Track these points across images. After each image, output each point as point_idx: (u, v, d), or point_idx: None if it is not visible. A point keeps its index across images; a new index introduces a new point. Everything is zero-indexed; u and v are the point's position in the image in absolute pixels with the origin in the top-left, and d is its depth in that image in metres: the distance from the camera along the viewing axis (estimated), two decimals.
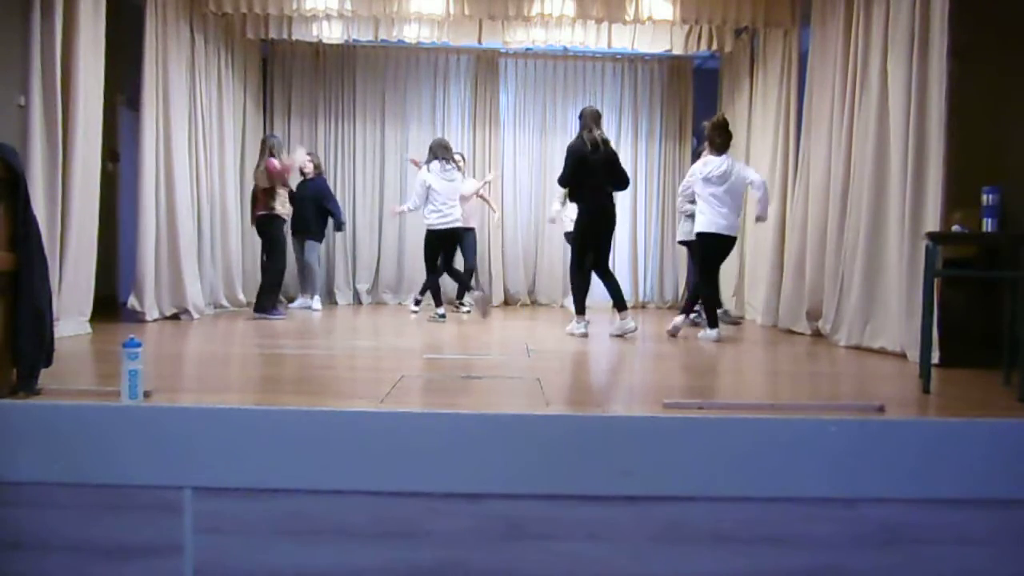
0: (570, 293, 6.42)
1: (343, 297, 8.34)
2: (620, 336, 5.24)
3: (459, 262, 7.14)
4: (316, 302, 7.34)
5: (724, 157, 5.23)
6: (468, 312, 7.20)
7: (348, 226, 8.28)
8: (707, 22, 6.64)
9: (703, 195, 5.22)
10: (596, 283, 5.57)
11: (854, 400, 3.07)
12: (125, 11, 5.85)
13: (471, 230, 7.31)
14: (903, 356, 4.30)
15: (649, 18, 6.43)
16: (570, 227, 6.31)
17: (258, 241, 6.74)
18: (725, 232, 5.19)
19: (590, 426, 2.36)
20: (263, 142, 6.62)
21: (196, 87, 6.47)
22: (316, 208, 7.23)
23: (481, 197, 7.56)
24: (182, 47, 6.19)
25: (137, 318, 5.58)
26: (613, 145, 5.59)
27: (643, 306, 8.62)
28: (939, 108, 4.16)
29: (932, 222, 4.11)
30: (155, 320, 5.70)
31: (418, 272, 8.30)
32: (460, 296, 7.23)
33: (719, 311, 5.58)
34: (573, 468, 2.28)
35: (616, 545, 2.28)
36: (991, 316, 4.52)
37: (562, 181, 5.42)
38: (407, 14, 6.54)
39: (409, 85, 8.51)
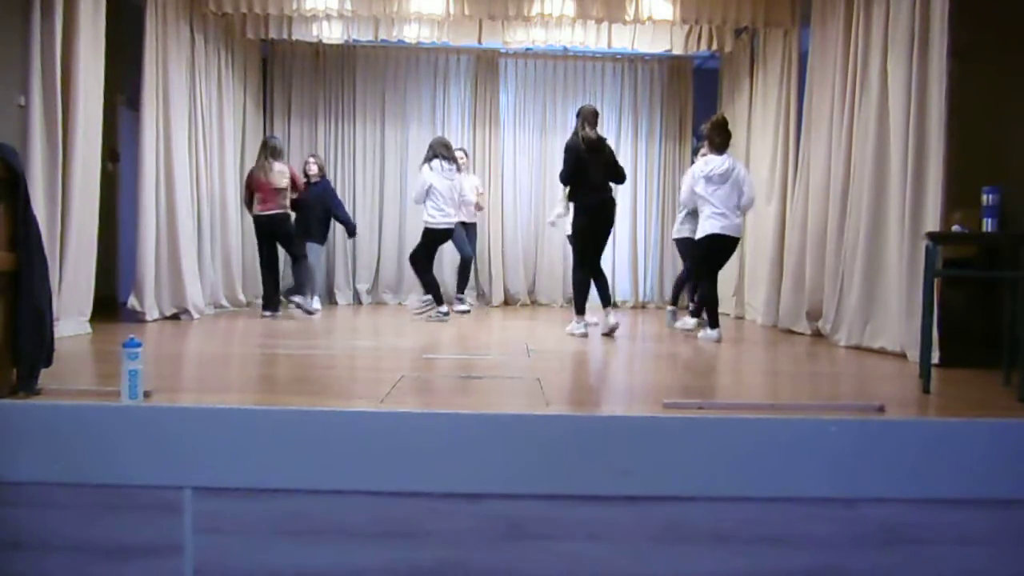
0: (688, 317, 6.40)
1: (343, 297, 8.34)
2: (609, 335, 5.23)
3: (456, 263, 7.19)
4: (316, 302, 7.34)
5: (725, 156, 5.23)
6: (467, 311, 7.19)
7: None
8: (707, 22, 6.63)
9: (705, 195, 5.19)
10: (615, 280, 5.61)
11: (854, 400, 3.07)
12: (125, 11, 5.85)
13: (472, 224, 7.37)
14: (903, 356, 4.30)
15: (649, 18, 6.43)
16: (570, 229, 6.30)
17: (253, 241, 6.74)
18: (729, 233, 5.18)
19: (590, 426, 2.36)
20: (264, 143, 6.62)
21: (196, 87, 6.47)
22: (320, 211, 7.25)
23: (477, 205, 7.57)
24: (182, 47, 6.19)
25: (137, 318, 5.58)
26: (612, 144, 5.60)
27: (643, 306, 8.61)
28: (939, 108, 4.16)
29: (932, 222, 4.11)
30: (155, 320, 5.70)
31: None
32: (460, 290, 7.19)
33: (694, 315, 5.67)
34: (573, 468, 2.28)
35: (616, 545, 2.28)
36: (991, 316, 4.52)
37: (563, 178, 5.41)
38: (407, 14, 6.53)
39: (409, 85, 8.51)
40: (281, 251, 6.84)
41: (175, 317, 5.97)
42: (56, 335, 3.00)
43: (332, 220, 7.48)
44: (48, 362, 2.82)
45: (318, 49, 8.21)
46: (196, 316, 6.07)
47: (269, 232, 6.48)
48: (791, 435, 2.31)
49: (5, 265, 2.64)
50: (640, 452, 2.29)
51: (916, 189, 4.29)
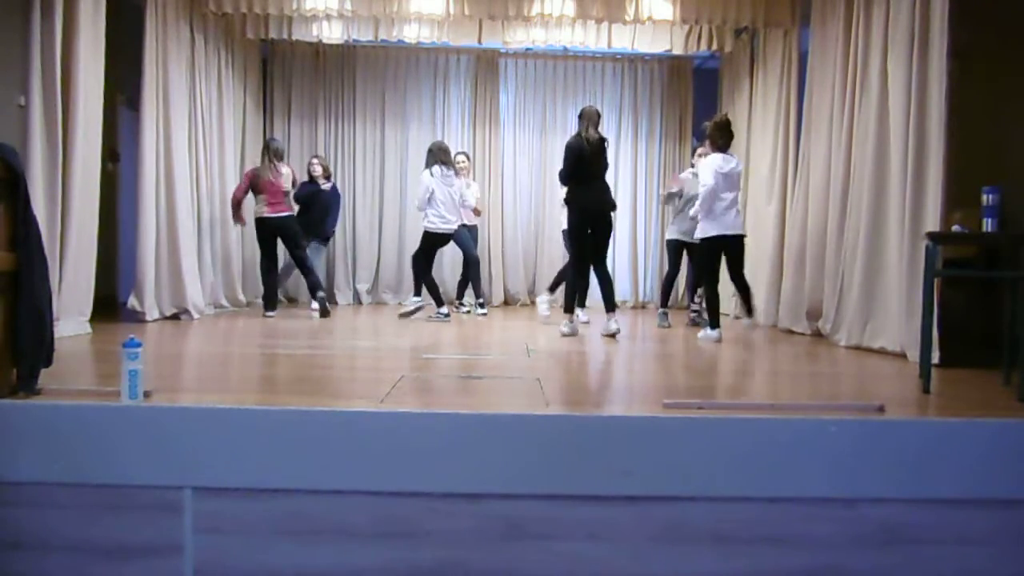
0: (544, 291, 6.52)
1: (343, 297, 8.34)
2: (610, 336, 5.23)
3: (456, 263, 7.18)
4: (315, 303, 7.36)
5: (732, 155, 5.29)
6: (468, 312, 7.19)
7: (348, 226, 8.31)
8: (707, 22, 6.64)
9: (719, 194, 5.18)
10: (615, 280, 5.62)
11: (854, 400, 3.07)
12: (125, 11, 5.85)
13: (473, 226, 7.32)
14: (903, 356, 4.30)
15: (649, 18, 6.43)
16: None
17: (253, 241, 6.75)
18: (737, 232, 5.26)
19: (590, 426, 2.36)
20: (267, 145, 6.63)
21: (196, 87, 6.47)
22: (325, 213, 7.28)
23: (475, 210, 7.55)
24: (182, 47, 6.19)
25: (137, 318, 5.58)
26: (612, 147, 5.62)
27: (643, 306, 8.62)
28: (939, 108, 4.16)
29: (932, 222, 4.11)
30: (155, 320, 5.70)
31: None
32: (477, 294, 7.12)
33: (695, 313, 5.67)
34: (573, 468, 2.28)
35: (616, 545, 2.28)
36: (991, 316, 4.52)
37: (562, 177, 5.41)
38: (407, 14, 6.54)
39: (409, 85, 8.51)
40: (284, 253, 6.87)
41: (175, 317, 5.97)
42: (56, 335, 3.00)
43: (337, 221, 7.52)
44: (48, 362, 2.82)
45: (318, 49, 8.21)
46: (196, 316, 6.07)
47: (278, 234, 6.48)
48: (791, 435, 2.31)
49: (5, 265, 2.64)
50: (640, 452, 2.29)
51: (916, 189, 4.29)
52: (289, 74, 8.41)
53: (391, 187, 8.48)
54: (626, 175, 8.59)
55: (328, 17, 6.84)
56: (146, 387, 2.68)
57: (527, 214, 8.65)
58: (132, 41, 5.82)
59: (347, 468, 2.27)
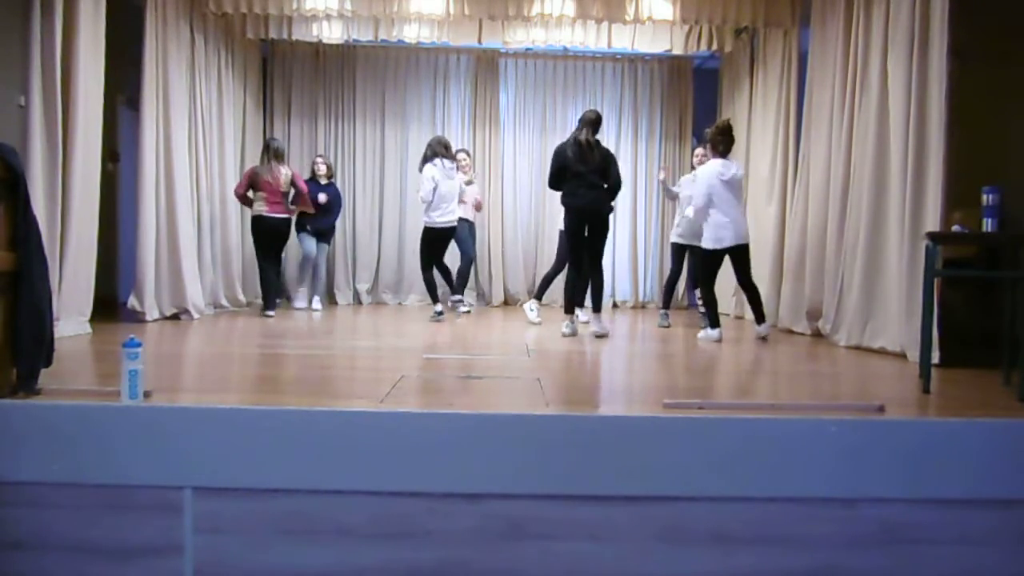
0: (532, 299, 6.55)
1: (343, 297, 8.34)
2: (600, 336, 5.23)
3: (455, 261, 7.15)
4: (316, 302, 7.37)
5: (732, 161, 5.25)
6: (468, 311, 7.18)
7: (348, 226, 8.31)
8: (707, 22, 6.63)
9: (719, 201, 5.15)
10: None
11: (854, 400, 3.07)
12: (125, 11, 5.85)
13: (472, 222, 7.31)
14: (903, 356, 4.30)
15: (649, 18, 6.43)
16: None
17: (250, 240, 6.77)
18: (742, 241, 5.22)
19: (590, 426, 2.36)
20: (267, 145, 6.63)
21: (196, 87, 6.47)
22: (325, 212, 7.30)
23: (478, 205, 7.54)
24: (182, 47, 6.19)
25: (137, 318, 5.58)
26: (612, 145, 5.60)
27: (643, 306, 8.62)
28: (939, 108, 4.16)
29: (932, 222, 4.12)
30: (155, 320, 5.70)
31: (418, 272, 8.31)
32: (459, 291, 7.07)
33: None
34: (573, 468, 2.28)
35: (616, 545, 2.28)
36: (991, 316, 4.51)
37: (549, 182, 5.43)
38: (407, 14, 6.54)
39: (409, 85, 8.51)
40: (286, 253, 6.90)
41: (175, 317, 5.97)
42: (56, 335, 3.00)
43: (336, 218, 7.53)
44: (48, 362, 2.82)
45: (318, 49, 8.21)
46: (196, 316, 6.07)
47: (275, 234, 6.49)
48: (791, 435, 2.31)
49: (5, 265, 2.64)
50: (640, 452, 2.29)
51: (916, 189, 4.29)
52: (289, 74, 8.41)
53: (391, 187, 8.48)
54: (626, 175, 8.46)
55: (328, 17, 6.83)
56: (146, 387, 2.68)
57: (527, 214, 8.64)
58: (132, 41, 5.82)
59: (347, 468, 2.27)
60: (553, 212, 8.35)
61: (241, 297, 7.29)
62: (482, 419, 2.34)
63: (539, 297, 6.67)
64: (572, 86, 8.60)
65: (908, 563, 2.30)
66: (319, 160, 7.38)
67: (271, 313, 6.43)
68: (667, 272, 8.58)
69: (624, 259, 8.59)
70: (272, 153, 6.51)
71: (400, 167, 8.49)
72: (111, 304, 6.47)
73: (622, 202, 7.99)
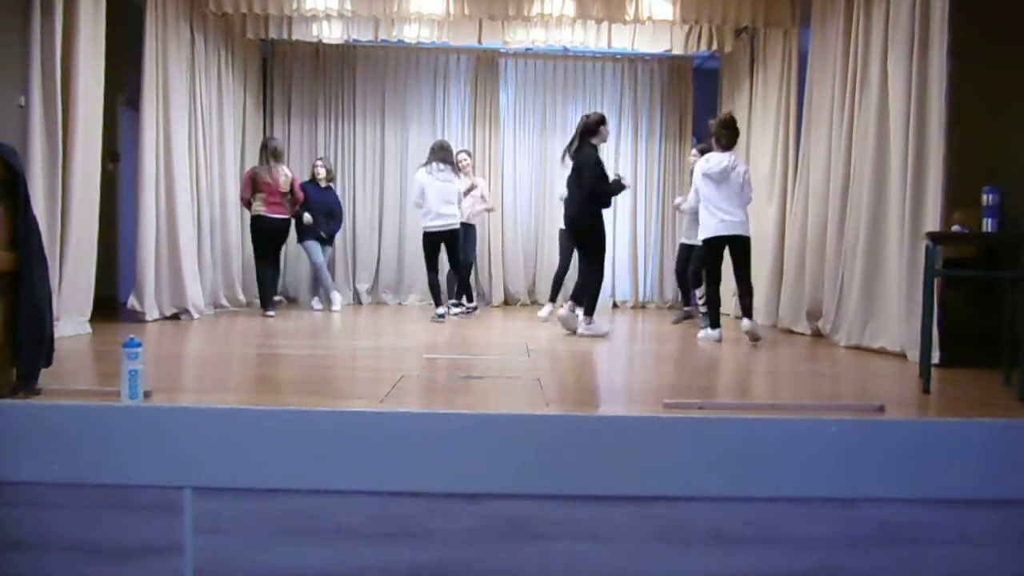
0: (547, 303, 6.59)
1: (343, 297, 8.33)
2: (588, 336, 5.23)
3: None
4: (316, 302, 7.39)
5: (727, 154, 5.09)
6: (467, 312, 7.18)
7: (348, 226, 8.31)
8: (707, 22, 6.63)
9: (704, 195, 5.13)
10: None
11: (854, 400, 3.07)
12: (125, 11, 5.85)
13: (471, 227, 7.22)
14: (903, 356, 4.30)
15: (649, 18, 6.43)
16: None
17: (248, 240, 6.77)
18: (730, 232, 5.06)
19: (590, 426, 2.36)
20: (264, 145, 6.63)
21: (196, 87, 6.47)
22: (328, 215, 7.31)
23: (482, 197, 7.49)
24: (182, 47, 6.19)
25: (137, 318, 5.58)
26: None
27: (643, 306, 8.62)
28: (939, 108, 4.16)
29: (932, 222, 4.12)
30: (155, 320, 5.70)
31: (418, 272, 8.33)
32: (458, 295, 7.01)
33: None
34: (573, 468, 2.28)
35: (616, 545, 2.28)
36: (991, 316, 4.51)
37: (600, 189, 5.33)
38: (407, 14, 6.54)
39: (409, 85, 8.51)
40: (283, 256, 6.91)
41: (175, 317, 5.97)
42: (56, 335, 3.00)
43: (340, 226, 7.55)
44: (48, 362, 2.82)
45: (318, 49, 8.22)
46: (196, 316, 6.07)
47: (274, 235, 6.50)
48: (791, 435, 2.31)
49: (5, 265, 2.64)
50: (640, 452, 2.29)
51: (916, 189, 4.29)
52: (289, 74, 8.41)
53: (391, 187, 8.48)
54: (626, 175, 8.56)
55: (328, 17, 6.83)
56: (146, 387, 2.67)
57: (527, 214, 8.64)
58: (132, 41, 5.82)
59: (347, 468, 2.27)
60: (553, 212, 8.37)
61: (241, 297, 7.29)
62: (482, 419, 2.34)
63: (553, 299, 6.66)
64: (572, 86, 8.60)
65: (908, 563, 2.30)
66: (319, 163, 7.38)
67: (271, 313, 6.44)
68: (667, 272, 8.64)
69: (624, 259, 8.59)
70: (270, 153, 6.51)
71: (400, 167, 8.49)
72: (111, 304, 6.47)
73: (622, 202, 7.99)
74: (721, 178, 5.05)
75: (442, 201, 6.30)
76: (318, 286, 7.45)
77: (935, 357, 3.73)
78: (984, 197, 3.83)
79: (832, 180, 5.35)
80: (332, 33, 7.10)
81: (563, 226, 6.23)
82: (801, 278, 5.78)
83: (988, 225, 3.81)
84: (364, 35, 7.14)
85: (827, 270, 5.36)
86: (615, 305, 8.55)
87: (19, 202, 2.67)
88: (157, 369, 3.40)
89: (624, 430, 2.33)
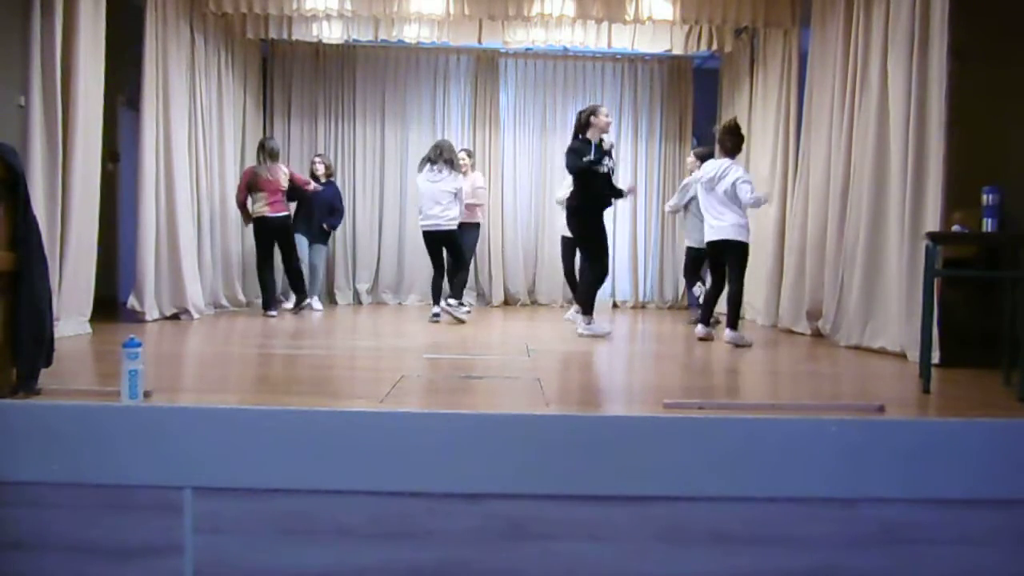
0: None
1: (343, 297, 8.34)
2: (588, 337, 5.22)
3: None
4: (316, 302, 7.38)
5: (721, 161, 5.09)
6: (467, 312, 7.16)
7: (348, 226, 8.32)
8: (707, 22, 6.63)
9: (699, 201, 5.26)
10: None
11: (854, 400, 3.07)
12: (125, 11, 5.85)
13: (472, 226, 7.04)
14: (903, 356, 4.30)
15: (649, 18, 6.43)
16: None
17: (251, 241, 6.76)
18: (719, 237, 5.02)
19: (590, 426, 2.36)
20: (261, 145, 6.62)
21: (196, 87, 6.47)
22: (326, 213, 7.30)
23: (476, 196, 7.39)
24: (182, 47, 6.19)
25: (137, 318, 5.58)
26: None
27: (643, 306, 8.62)
28: (939, 108, 4.16)
29: (932, 222, 4.11)
30: (155, 320, 5.70)
31: (418, 272, 8.34)
32: (457, 295, 6.71)
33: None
34: (573, 468, 2.28)
35: (616, 545, 2.28)
36: (991, 316, 4.51)
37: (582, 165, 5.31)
38: (407, 14, 6.53)
39: (409, 85, 8.51)
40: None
41: (175, 317, 5.97)
42: (56, 335, 3.00)
43: (340, 220, 7.54)
44: (48, 362, 2.82)
45: (318, 49, 8.21)
46: (196, 316, 6.07)
47: (276, 234, 6.49)
48: (791, 435, 2.31)
49: (5, 265, 2.64)
50: (640, 452, 2.29)
51: (916, 189, 4.29)
52: (289, 74, 8.41)
53: (391, 187, 8.48)
54: (626, 175, 8.57)
55: (328, 17, 6.83)
56: (146, 387, 2.68)
57: (527, 214, 8.64)
58: (132, 41, 5.82)
59: (347, 468, 2.27)
60: (553, 212, 8.37)
61: (241, 297, 7.29)
62: (482, 419, 2.34)
63: (573, 303, 6.66)
64: (572, 86, 8.60)
65: (908, 563, 2.30)
66: (317, 160, 7.39)
67: (273, 313, 6.44)
68: (667, 272, 8.65)
69: (624, 259, 8.58)
70: (268, 153, 6.51)
71: (400, 167, 8.48)
72: (111, 304, 6.47)
73: (624, 203, 7.98)
74: (709, 186, 5.09)
75: (432, 202, 6.22)
76: (316, 285, 7.43)
77: (935, 357, 3.73)
78: (984, 197, 3.83)
79: (832, 180, 5.35)
80: (332, 33, 7.09)
81: (564, 233, 6.28)
82: (801, 278, 5.78)
83: (988, 225, 3.80)
84: (364, 35, 7.13)
85: (827, 270, 5.36)
86: (615, 305, 8.55)
87: (19, 202, 2.67)
88: (157, 369, 3.40)
89: (624, 430, 2.33)
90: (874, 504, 2.29)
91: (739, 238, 5.02)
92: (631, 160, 8.62)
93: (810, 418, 2.44)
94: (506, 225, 8.56)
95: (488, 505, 2.26)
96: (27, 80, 4.48)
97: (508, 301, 8.56)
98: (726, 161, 5.08)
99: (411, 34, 7.01)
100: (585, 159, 5.09)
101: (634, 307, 8.58)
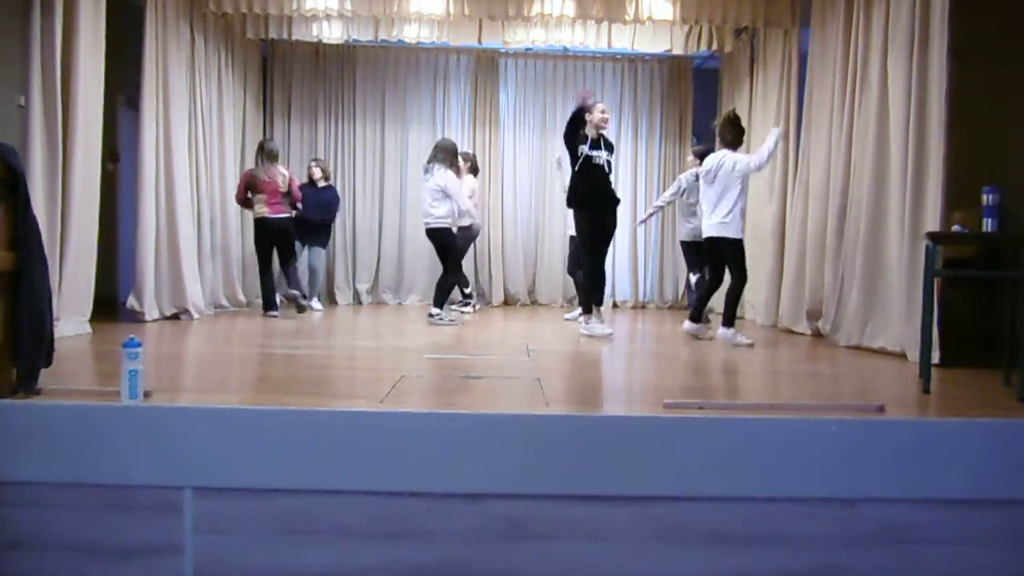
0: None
1: (343, 297, 8.34)
2: (587, 337, 5.22)
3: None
4: (316, 303, 7.39)
5: (722, 152, 5.03)
6: (451, 322, 7.00)
7: (348, 226, 8.32)
8: (707, 22, 6.63)
9: (701, 196, 5.23)
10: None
11: (854, 400, 3.07)
12: (125, 11, 5.85)
13: (464, 229, 6.76)
14: (903, 356, 4.30)
15: (649, 18, 6.43)
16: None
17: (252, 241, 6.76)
18: (712, 234, 5.00)
19: (590, 426, 2.36)
20: (261, 146, 6.60)
21: (196, 87, 6.47)
22: (326, 216, 7.30)
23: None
24: (182, 47, 6.19)
25: (137, 318, 5.58)
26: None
27: (643, 306, 8.62)
28: (939, 108, 4.16)
29: (932, 222, 4.11)
30: (155, 320, 5.70)
31: (418, 272, 8.34)
32: (437, 302, 6.21)
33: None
34: (573, 468, 2.28)
35: (616, 545, 2.28)
36: (991, 316, 4.51)
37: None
38: (407, 14, 6.54)
39: (409, 85, 8.51)
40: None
41: (175, 317, 5.97)
42: (56, 335, 3.00)
43: (332, 224, 7.54)
44: (48, 362, 2.82)
45: (318, 49, 8.21)
46: (196, 316, 6.07)
47: (276, 236, 6.47)
48: (791, 435, 2.31)
49: (5, 265, 2.64)
50: (640, 452, 2.29)
51: (916, 189, 4.29)
52: (289, 74, 8.41)
53: (391, 187, 8.48)
54: (626, 175, 8.58)
55: (328, 17, 6.83)
56: (146, 387, 2.67)
57: (527, 214, 8.64)
58: (132, 41, 5.82)
59: (347, 468, 2.27)
60: (553, 212, 8.38)
61: (241, 297, 7.29)
62: (482, 419, 2.34)
63: (574, 303, 6.69)
64: (572, 86, 8.58)
65: (908, 563, 2.30)
66: (313, 164, 7.40)
67: (275, 313, 6.42)
68: (667, 271, 8.65)
69: (624, 259, 8.58)
70: (266, 154, 6.49)
71: (400, 167, 8.48)
72: (111, 304, 6.47)
73: (622, 202, 7.95)
74: (709, 179, 5.06)
75: (425, 201, 6.18)
76: (315, 286, 7.44)
77: (935, 357, 3.73)
78: (984, 197, 3.83)
79: (832, 180, 5.35)
80: (332, 33, 7.10)
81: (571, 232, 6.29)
82: (801, 278, 5.78)
83: (988, 225, 3.81)
84: (364, 35, 7.14)
85: (827, 270, 5.36)
86: (615, 305, 8.55)
87: (19, 202, 2.67)
88: (157, 369, 3.40)
89: (624, 430, 2.33)
90: (874, 504, 2.29)
91: (728, 234, 4.98)
92: (631, 160, 8.62)
93: (810, 418, 2.44)
94: (506, 225, 8.56)
95: (488, 505, 2.26)
96: (27, 80, 4.48)
97: (508, 301, 8.56)
98: (721, 153, 5.05)
99: (411, 34, 7.01)
100: (580, 147, 5.14)
101: (634, 307, 8.58)
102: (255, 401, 2.92)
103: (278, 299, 6.60)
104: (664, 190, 8.63)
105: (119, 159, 6.91)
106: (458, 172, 6.43)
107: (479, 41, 7.24)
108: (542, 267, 8.57)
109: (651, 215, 6.97)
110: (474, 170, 7.35)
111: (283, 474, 2.27)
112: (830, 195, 5.37)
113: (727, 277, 5.17)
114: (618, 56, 8.45)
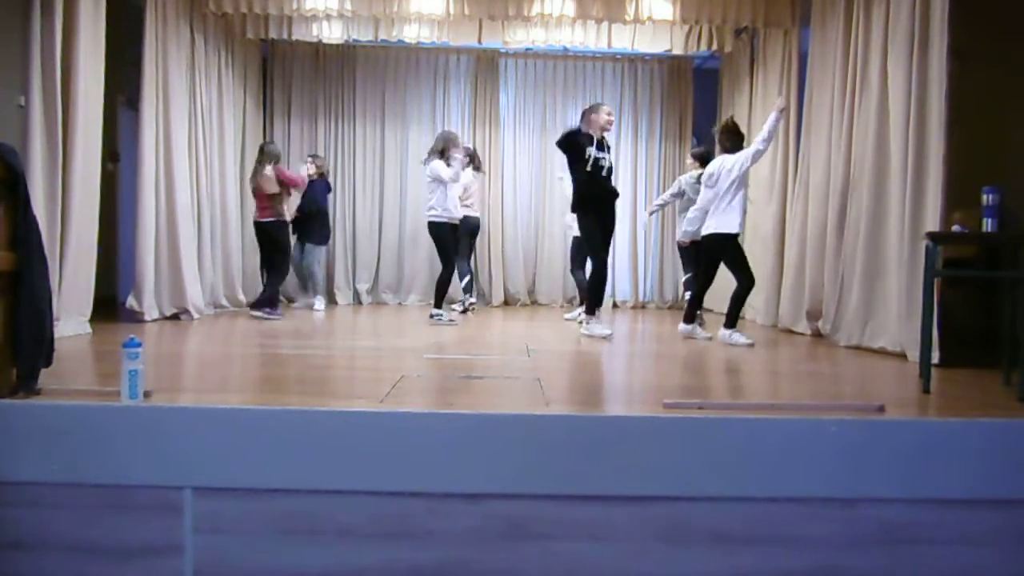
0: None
1: (343, 297, 8.34)
2: (587, 337, 5.22)
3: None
4: (318, 302, 7.38)
5: (722, 157, 5.12)
6: (466, 311, 7.14)
7: (348, 226, 8.32)
8: (707, 22, 6.63)
9: (700, 198, 5.29)
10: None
11: (854, 400, 3.07)
12: (125, 11, 5.85)
13: (462, 221, 6.62)
14: (903, 356, 4.30)
15: (649, 18, 6.43)
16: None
17: (255, 242, 6.76)
18: (711, 231, 5.09)
19: (590, 426, 2.36)
20: (261, 149, 6.60)
21: (196, 87, 6.47)
22: (319, 212, 7.29)
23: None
24: (182, 47, 6.19)
25: (137, 318, 5.58)
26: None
27: (643, 306, 8.62)
28: (939, 108, 4.16)
29: (932, 222, 4.11)
30: (155, 320, 5.70)
31: (418, 272, 8.34)
32: (436, 301, 6.20)
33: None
34: (573, 468, 2.28)
35: (616, 545, 2.28)
36: (991, 316, 4.52)
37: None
38: (407, 14, 6.54)
39: (409, 85, 8.51)
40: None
41: (175, 317, 5.97)
42: (56, 335, 3.00)
43: (328, 217, 7.52)
44: (48, 362, 2.82)
45: (318, 49, 8.21)
46: (196, 316, 6.07)
47: (265, 238, 6.49)
48: (791, 435, 2.31)
49: (5, 265, 2.64)
50: (640, 452, 2.29)
51: (916, 189, 4.29)
52: (289, 74, 8.41)
53: (391, 187, 8.48)
54: (626, 175, 8.58)
55: (328, 17, 6.83)
56: (146, 387, 2.67)
57: (527, 214, 8.64)
58: (132, 41, 5.82)
59: (347, 468, 2.27)
60: (553, 212, 8.38)
61: (241, 297, 7.29)
62: (482, 419, 2.34)
63: (574, 303, 6.69)
64: (572, 86, 8.60)
65: (908, 563, 2.30)
66: (308, 161, 7.39)
67: (276, 315, 6.39)
68: (667, 271, 8.65)
69: (624, 259, 8.58)
70: (260, 157, 6.47)
71: (400, 167, 8.48)
72: (111, 304, 6.47)
73: (624, 201, 7.96)
74: (711, 182, 5.14)
75: (428, 193, 6.20)
76: (315, 285, 7.43)
77: (935, 357, 3.73)
78: (984, 197, 3.83)
79: (832, 180, 5.35)
80: (332, 33, 7.10)
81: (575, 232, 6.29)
82: (801, 278, 5.78)
83: (988, 225, 3.81)
84: (364, 35, 7.14)
85: (827, 270, 5.36)
86: (615, 305, 8.55)
87: (19, 202, 2.67)
88: (157, 369, 3.40)
89: (624, 430, 2.33)
90: (874, 504, 2.29)
91: (723, 229, 5.04)
92: (631, 160, 8.62)
93: (810, 418, 2.44)
94: (506, 225, 8.56)
95: (488, 505, 2.26)
96: (27, 80, 4.48)
97: (508, 301, 8.56)
98: (721, 158, 5.15)
99: (411, 34, 7.01)
100: (588, 148, 5.11)
101: (634, 307, 8.58)
102: (255, 401, 2.92)
103: (280, 300, 6.62)
104: (664, 190, 8.66)
105: (119, 159, 6.91)
106: (447, 161, 6.12)
107: (479, 41, 7.24)
108: (542, 267, 8.57)
109: (657, 209, 7.08)
110: (475, 166, 7.31)
111: (283, 474, 2.27)
112: (830, 195, 5.37)
113: (729, 279, 5.19)
114: (618, 56, 8.45)
